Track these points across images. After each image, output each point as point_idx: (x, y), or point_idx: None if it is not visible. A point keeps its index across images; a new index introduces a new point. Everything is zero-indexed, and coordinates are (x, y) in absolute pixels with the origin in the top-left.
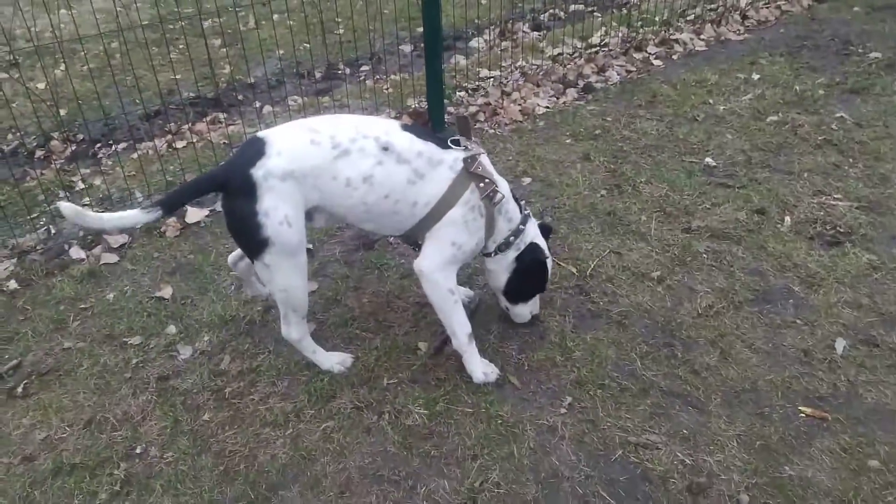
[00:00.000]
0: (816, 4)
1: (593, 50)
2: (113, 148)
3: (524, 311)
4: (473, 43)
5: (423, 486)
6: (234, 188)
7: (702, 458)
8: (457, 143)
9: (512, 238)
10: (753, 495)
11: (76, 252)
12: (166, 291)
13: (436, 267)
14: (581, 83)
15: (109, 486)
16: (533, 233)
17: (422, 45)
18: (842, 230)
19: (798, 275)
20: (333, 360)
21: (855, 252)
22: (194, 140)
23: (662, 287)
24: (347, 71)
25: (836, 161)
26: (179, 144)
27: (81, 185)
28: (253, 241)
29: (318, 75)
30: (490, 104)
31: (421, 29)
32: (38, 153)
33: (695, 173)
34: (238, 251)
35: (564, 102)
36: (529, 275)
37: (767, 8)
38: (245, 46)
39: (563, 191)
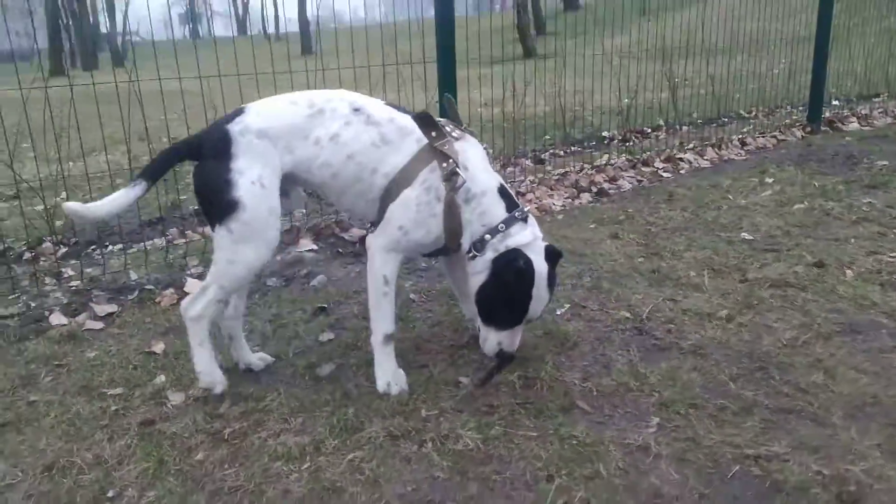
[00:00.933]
0: (810, 136)
1: (601, 165)
2: (109, 248)
3: (493, 339)
4: None
5: None
6: (208, 147)
7: (842, 467)
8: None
9: (488, 237)
10: None
11: (57, 318)
12: (158, 347)
13: (378, 246)
14: (594, 189)
15: None
16: (523, 240)
17: None
18: None
19: (882, 311)
20: (207, 373)
21: None
22: (198, 237)
23: (733, 325)
24: None
25: (879, 231)
26: (181, 241)
27: (70, 273)
28: (221, 201)
29: None
30: None
31: None
32: (27, 255)
33: (735, 243)
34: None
35: (580, 203)
36: (504, 285)
37: (764, 137)
38: None
39: (597, 259)
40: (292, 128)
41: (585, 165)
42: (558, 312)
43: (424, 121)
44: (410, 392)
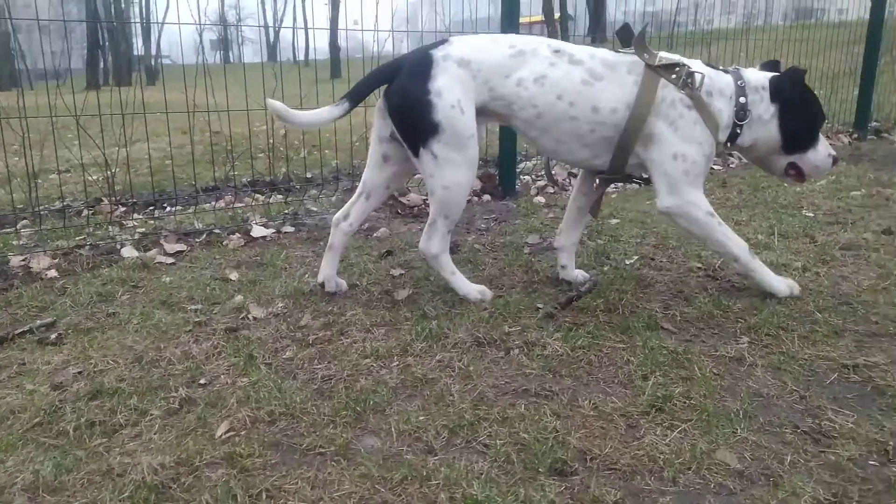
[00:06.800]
0: (857, 142)
1: None
2: (167, 208)
3: (821, 154)
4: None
5: (587, 399)
6: (408, 69)
7: None
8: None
9: (742, 99)
10: None
11: (128, 251)
12: (233, 275)
13: (679, 197)
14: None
15: (164, 405)
16: (758, 76)
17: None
18: None
19: None
20: (474, 288)
21: None
22: (257, 200)
23: (810, 273)
24: None
25: None
26: (240, 205)
27: (133, 223)
28: (422, 124)
29: None
30: (557, 181)
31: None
32: (85, 212)
33: (798, 216)
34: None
35: (630, 188)
36: (798, 104)
37: None
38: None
39: (659, 225)
40: (494, 64)
41: None
42: (627, 262)
43: (639, 42)
44: (490, 312)
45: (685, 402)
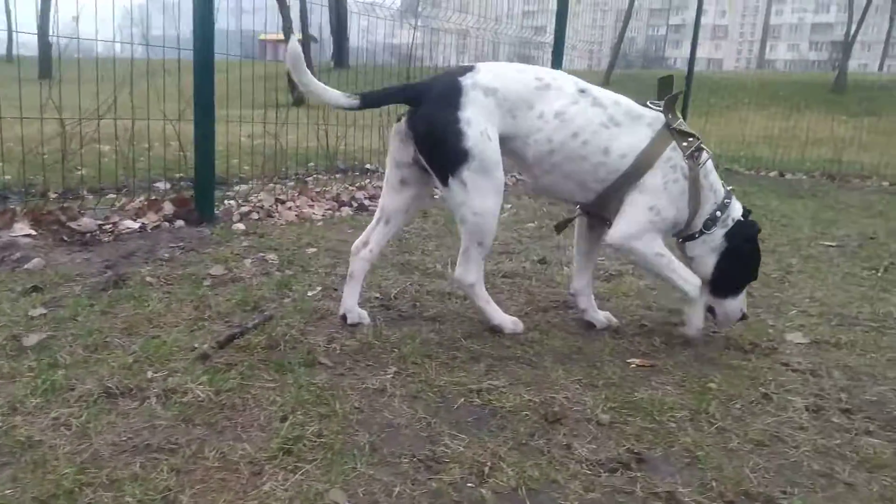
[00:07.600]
0: None
1: (364, 183)
2: None
3: (734, 306)
4: (238, 187)
5: (214, 449)
6: (435, 95)
7: (549, 395)
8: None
9: (718, 213)
10: (612, 415)
11: None
12: None
13: (630, 236)
14: (355, 203)
15: None
16: (738, 210)
17: (179, 182)
18: (613, 273)
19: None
20: (508, 319)
21: (631, 279)
22: None
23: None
24: (90, 196)
25: None
26: None
27: None
28: (453, 152)
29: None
30: (263, 207)
31: (178, 175)
32: None
33: None
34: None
35: (340, 216)
36: (742, 256)
37: None
38: None
39: None
40: (519, 95)
41: (348, 186)
42: (309, 294)
43: (669, 102)
44: (137, 356)
45: (315, 442)
